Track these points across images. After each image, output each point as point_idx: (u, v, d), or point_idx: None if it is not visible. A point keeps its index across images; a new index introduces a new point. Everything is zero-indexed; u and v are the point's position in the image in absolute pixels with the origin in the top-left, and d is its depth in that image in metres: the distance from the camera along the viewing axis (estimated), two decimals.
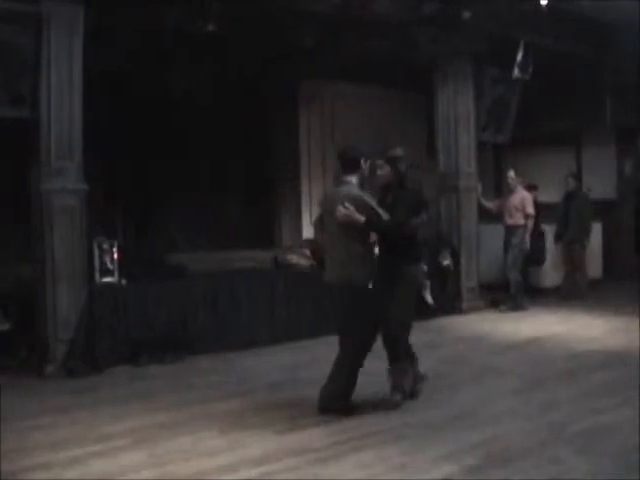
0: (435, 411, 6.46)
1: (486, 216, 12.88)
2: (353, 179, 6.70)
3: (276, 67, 13.05)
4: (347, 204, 6.40)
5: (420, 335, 9.91)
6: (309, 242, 11.75)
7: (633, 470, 4.92)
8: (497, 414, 6.33)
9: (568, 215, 13.20)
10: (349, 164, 6.76)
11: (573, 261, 13.22)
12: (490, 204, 12.65)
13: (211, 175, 13.76)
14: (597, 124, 15.02)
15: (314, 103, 15.01)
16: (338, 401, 6.49)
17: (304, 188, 14.83)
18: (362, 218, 6.38)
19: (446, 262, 11.71)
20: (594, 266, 14.44)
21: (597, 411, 6.32)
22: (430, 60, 12.35)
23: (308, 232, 13.12)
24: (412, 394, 6.87)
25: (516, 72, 12.66)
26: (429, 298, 11.42)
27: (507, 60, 12.72)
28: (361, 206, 6.43)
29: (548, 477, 4.89)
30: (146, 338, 8.71)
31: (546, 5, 10.71)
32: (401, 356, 6.79)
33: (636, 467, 4.95)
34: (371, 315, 6.54)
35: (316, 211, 11.77)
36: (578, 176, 13.55)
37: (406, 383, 6.80)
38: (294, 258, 10.74)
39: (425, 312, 10.95)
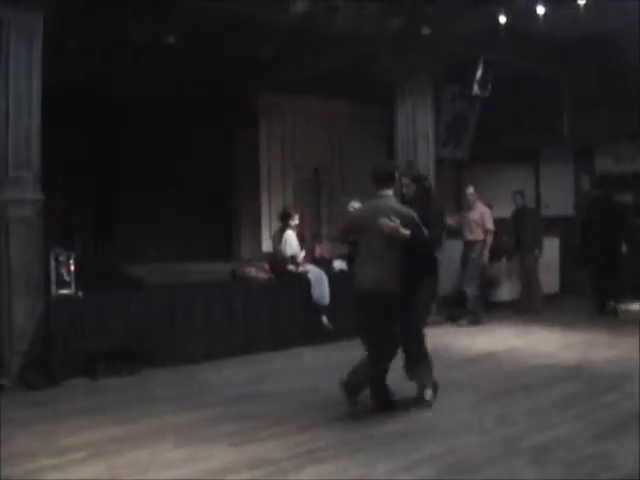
0: (393, 424, 6.48)
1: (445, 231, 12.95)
2: (390, 192, 7.01)
3: (236, 80, 13.06)
4: (394, 218, 6.63)
5: None
6: (268, 255, 11.78)
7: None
8: (453, 427, 6.36)
9: (520, 231, 13.34)
10: (384, 179, 7.03)
11: (527, 275, 13.35)
12: (449, 220, 12.72)
13: (171, 187, 13.73)
14: (555, 141, 15.19)
15: (274, 117, 15.04)
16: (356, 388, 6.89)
17: (264, 201, 14.86)
18: (407, 232, 6.64)
19: None
20: (551, 281, 14.60)
21: (551, 425, 6.37)
22: (390, 76, 12.42)
23: (267, 245, 13.13)
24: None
25: (475, 89, 12.82)
26: None
27: (467, 77, 12.86)
28: (407, 221, 6.71)
29: None
30: (103, 350, 8.63)
31: (505, 23, 10.82)
32: (421, 357, 7.21)
33: (589, 476, 5.03)
34: (399, 320, 6.93)
35: (275, 225, 11.82)
36: (524, 193, 13.72)
37: (431, 380, 7.20)
38: (252, 271, 10.74)
39: None
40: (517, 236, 13.36)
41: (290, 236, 10.90)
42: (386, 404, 6.97)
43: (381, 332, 6.84)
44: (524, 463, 5.38)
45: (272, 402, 7.31)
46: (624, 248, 13.09)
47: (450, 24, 11.37)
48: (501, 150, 15.79)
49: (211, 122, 14.07)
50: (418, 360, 7.21)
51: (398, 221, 6.63)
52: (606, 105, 14.19)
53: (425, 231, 6.84)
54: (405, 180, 7.63)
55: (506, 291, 13.96)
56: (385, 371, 7.00)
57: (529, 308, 13.10)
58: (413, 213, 6.85)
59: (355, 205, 8.05)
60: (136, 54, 11.06)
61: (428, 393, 7.10)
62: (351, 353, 9.76)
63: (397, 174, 7.28)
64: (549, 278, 14.32)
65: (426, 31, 11.42)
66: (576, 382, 7.98)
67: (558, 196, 15.98)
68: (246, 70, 12.67)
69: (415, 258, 6.84)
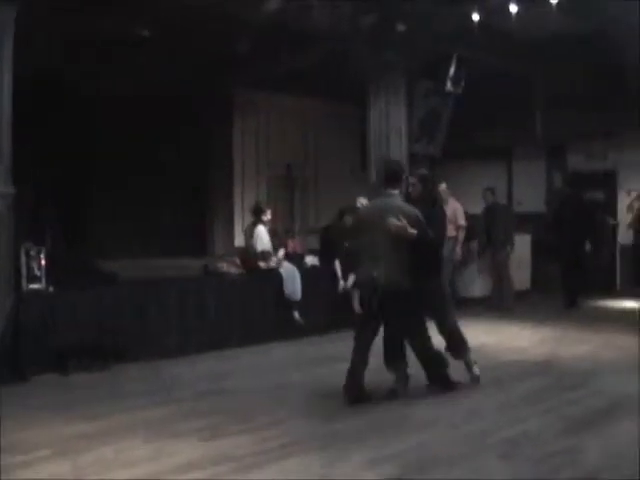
0: (360, 420, 6.49)
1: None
2: (396, 192, 7.27)
3: (211, 77, 13.05)
4: (401, 217, 6.86)
5: (348, 344, 10.04)
6: (240, 251, 11.76)
7: (553, 474, 5.06)
8: (423, 423, 6.39)
9: (491, 227, 13.43)
10: (392, 178, 7.28)
11: (498, 272, 13.43)
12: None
13: (144, 182, 13.70)
14: (528, 139, 15.29)
15: (249, 114, 15.04)
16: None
17: (237, 197, 14.86)
18: (414, 232, 6.87)
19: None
20: (522, 277, 14.70)
21: (520, 419, 6.43)
22: (364, 73, 12.45)
23: (240, 241, 13.10)
24: (393, 392, 7.26)
25: (448, 86, 12.87)
26: (357, 308, 11.49)
27: (440, 74, 12.91)
28: (414, 221, 6.94)
29: None
30: (73, 346, 8.55)
31: (478, 21, 10.88)
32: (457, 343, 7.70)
33: (555, 471, 5.09)
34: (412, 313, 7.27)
35: (249, 220, 11.82)
36: (494, 190, 13.85)
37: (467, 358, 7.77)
38: (224, 266, 10.74)
39: (355, 321, 11.04)
40: (488, 233, 13.44)
41: (261, 231, 10.89)
42: (357, 398, 7.02)
43: (398, 325, 7.28)
44: (492, 458, 5.41)
45: (242, 397, 7.32)
46: (587, 246, 13.28)
47: (424, 21, 11.40)
48: (474, 147, 15.88)
49: (185, 118, 14.04)
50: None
51: (405, 220, 6.84)
52: (578, 104, 14.31)
53: (429, 230, 7.02)
54: (412, 180, 7.78)
55: (477, 287, 14.03)
56: (364, 365, 7.14)
57: (500, 304, 13.18)
58: (418, 212, 7.04)
59: (363, 201, 8.23)
60: (109, 49, 11.02)
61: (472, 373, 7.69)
62: (322, 348, 9.91)
63: (404, 175, 7.58)
64: (520, 274, 14.42)
65: (401, 28, 11.47)
66: (545, 377, 8.07)
67: (530, 193, 16.11)
68: (221, 67, 12.67)
69: (420, 257, 7.05)
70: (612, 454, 5.47)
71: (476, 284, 14.01)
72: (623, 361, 8.85)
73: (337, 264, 11.40)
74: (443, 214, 7.96)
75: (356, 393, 7.05)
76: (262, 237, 10.89)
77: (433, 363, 7.42)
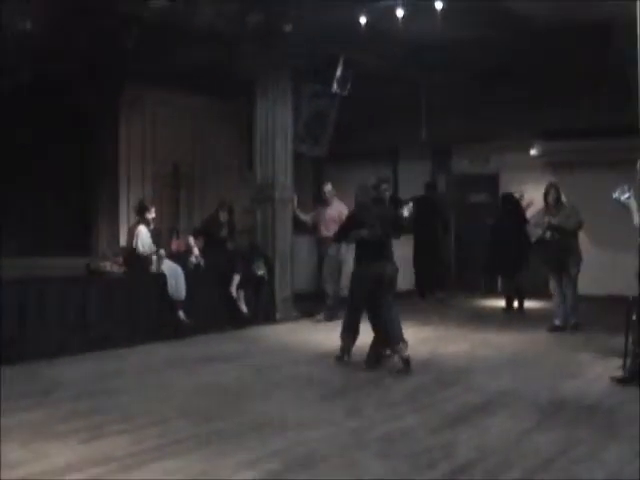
0: (240, 418, 6.52)
1: (302, 227, 13.14)
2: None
3: (98, 70, 12.85)
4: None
5: (232, 344, 10.06)
6: (123, 250, 11.65)
7: (429, 468, 5.18)
8: (302, 421, 6.45)
9: None
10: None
11: None
12: (306, 216, 12.88)
13: (26, 179, 13.40)
14: (413, 141, 15.57)
15: (135, 109, 14.86)
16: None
17: (122, 196, 14.66)
18: None
19: (260, 272, 11.85)
20: (406, 278, 15.00)
21: (396, 416, 6.57)
22: (251, 72, 12.48)
23: (125, 240, 12.95)
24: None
25: (335, 87, 13.00)
26: (243, 307, 11.56)
27: (327, 75, 13.03)
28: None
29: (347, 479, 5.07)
30: None
31: (365, 23, 11.01)
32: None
33: (431, 465, 5.22)
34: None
35: (134, 218, 11.71)
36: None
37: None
38: (107, 266, 10.64)
39: (240, 321, 11.12)
40: None
41: (141, 231, 10.82)
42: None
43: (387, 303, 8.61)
44: (369, 455, 5.51)
45: (123, 398, 7.25)
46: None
47: (311, 22, 11.49)
48: (361, 148, 16.08)
49: (69, 115, 13.80)
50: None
51: None
52: (461, 109, 14.67)
53: None
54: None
55: None
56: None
57: None
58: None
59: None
60: None
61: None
62: (207, 348, 9.90)
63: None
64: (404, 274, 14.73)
65: (287, 28, 11.54)
66: (423, 375, 8.27)
67: (416, 194, 16.35)
68: (108, 63, 12.48)
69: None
70: (485, 447, 5.64)
71: None
72: (497, 358, 9.23)
73: None
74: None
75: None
76: (142, 237, 10.80)
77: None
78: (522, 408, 6.82)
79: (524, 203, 13.83)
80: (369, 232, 8.49)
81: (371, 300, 8.66)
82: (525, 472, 5.09)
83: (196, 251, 11.59)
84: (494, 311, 13.78)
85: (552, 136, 14.89)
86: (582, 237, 11.76)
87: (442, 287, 15.36)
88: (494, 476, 5.04)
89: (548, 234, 11.07)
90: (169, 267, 10.78)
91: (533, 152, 15.14)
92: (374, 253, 8.57)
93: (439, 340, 10.52)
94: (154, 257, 10.79)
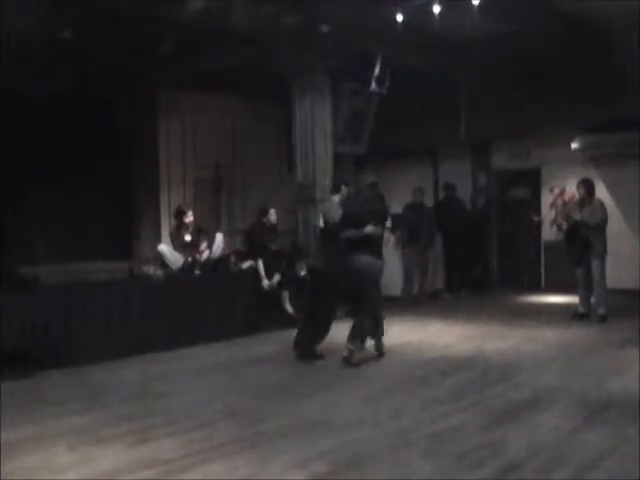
0: (286, 419, 6.50)
1: None
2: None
3: (136, 77, 12.92)
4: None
5: (275, 345, 10.05)
6: None
7: (475, 468, 5.11)
8: (347, 422, 6.40)
9: (416, 225, 13.71)
10: None
11: (420, 272, 13.76)
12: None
13: (68, 185, 13.49)
14: (453, 138, 15.47)
15: (174, 114, 14.94)
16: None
17: (163, 199, 14.74)
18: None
19: (303, 273, 11.82)
20: (437, 277, 15.01)
21: (444, 415, 6.51)
22: (288, 73, 12.47)
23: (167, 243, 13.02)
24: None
25: (373, 86, 12.95)
26: (289, 308, 11.57)
27: (365, 74, 12.98)
28: None
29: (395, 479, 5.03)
30: None
31: (402, 21, 10.94)
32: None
33: (479, 464, 5.16)
34: None
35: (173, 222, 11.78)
36: (423, 190, 14.34)
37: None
38: (150, 269, 10.66)
39: (285, 322, 11.12)
40: (411, 230, 13.73)
41: (162, 251, 11.21)
42: (307, 354, 8.90)
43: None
44: (416, 454, 5.46)
45: (168, 401, 7.28)
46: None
47: (348, 21, 11.43)
48: (399, 146, 16.00)
49: (110, 119, 13.90)
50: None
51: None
52: (500, 105, 14.55)
53: None
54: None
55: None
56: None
57: (417, 302, 13.46)
58: None
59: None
60: (28, 49, 10.82)
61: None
62: (249, 349, 9.91)
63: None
64: (434, 274, 14.81)
65: (325, 29, 11.50)
66: (470, 373, 8.20)
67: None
68: (146, 67, 12.53)
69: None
70: (534, 445, 5.58)
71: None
72: (544, 354, 9.10)
73: (260, 263, 11.51)
74: None
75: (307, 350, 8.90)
76: (166, 256, 11.05)
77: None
78: (570, 405, 6.74)
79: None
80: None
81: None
82: (576, 470, 5.03)
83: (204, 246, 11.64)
84: (546, 307, 13.59)
85: (593, 129, 14.68)
86: (626, 231, 11.68)
87: (476, 285, 15.35)
88: (544, 474, 4.98)
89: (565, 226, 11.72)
90: None
91: (574, 146, 14.94)
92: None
93: (483, 338, 10.40)
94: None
